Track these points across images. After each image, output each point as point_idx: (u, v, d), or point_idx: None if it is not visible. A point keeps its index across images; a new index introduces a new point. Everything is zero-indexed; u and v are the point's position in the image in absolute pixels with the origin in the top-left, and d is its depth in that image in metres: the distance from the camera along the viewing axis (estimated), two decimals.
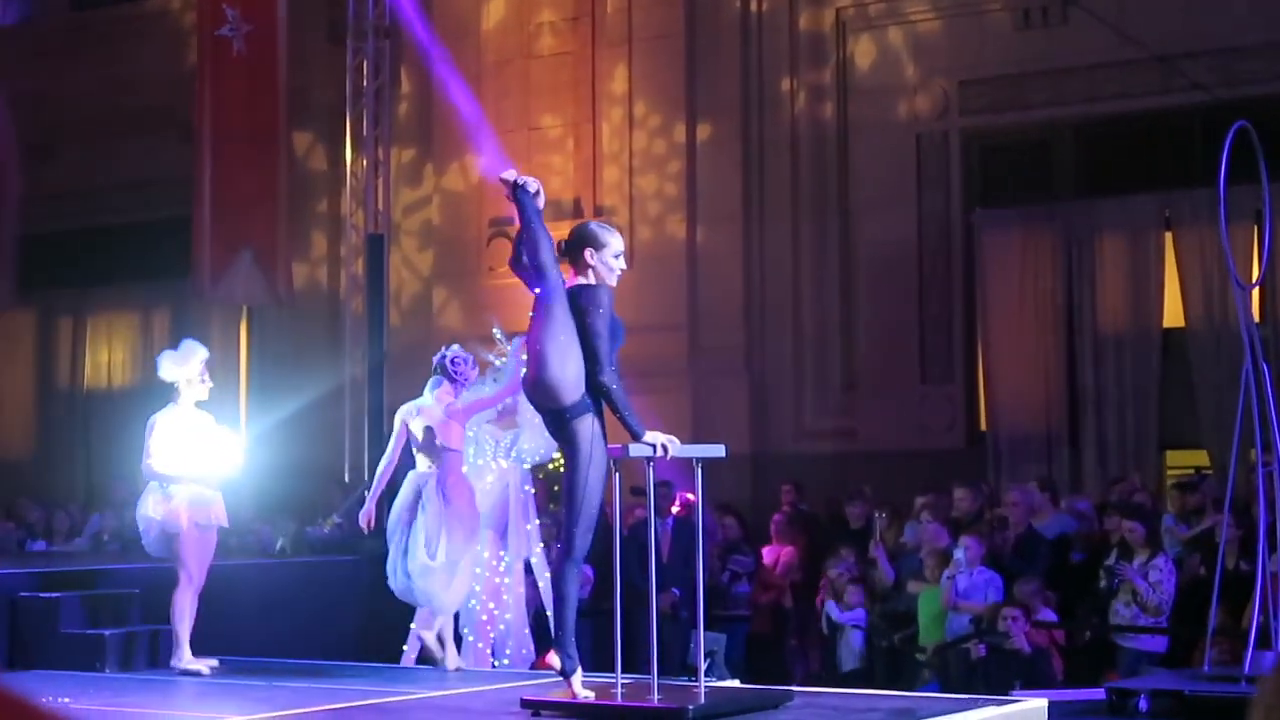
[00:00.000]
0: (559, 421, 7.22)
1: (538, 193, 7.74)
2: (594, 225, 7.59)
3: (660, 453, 7.01)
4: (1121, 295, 16.50)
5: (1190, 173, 15.76)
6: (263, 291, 18.58)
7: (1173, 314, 16.41)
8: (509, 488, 11.55)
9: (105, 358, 22.60)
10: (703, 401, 17.30)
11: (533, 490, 11.73)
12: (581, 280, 7.34)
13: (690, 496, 12.57)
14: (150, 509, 10.15)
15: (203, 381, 10.32)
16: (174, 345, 21.56)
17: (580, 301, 7.26)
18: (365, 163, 19.21)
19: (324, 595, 12.76)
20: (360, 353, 18.51)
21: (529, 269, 7.44)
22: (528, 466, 11.56)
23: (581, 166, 18.62)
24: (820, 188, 17.85)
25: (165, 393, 21.92)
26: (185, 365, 10.31)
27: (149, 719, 7.83)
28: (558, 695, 7.35)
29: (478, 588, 11.46)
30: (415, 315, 19.82)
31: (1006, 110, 17.21)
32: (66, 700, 8.63)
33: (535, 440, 11.47)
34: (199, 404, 10.37)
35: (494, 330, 11.84)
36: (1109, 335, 16.54)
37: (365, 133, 19.19)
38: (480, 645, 11.40)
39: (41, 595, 10.85)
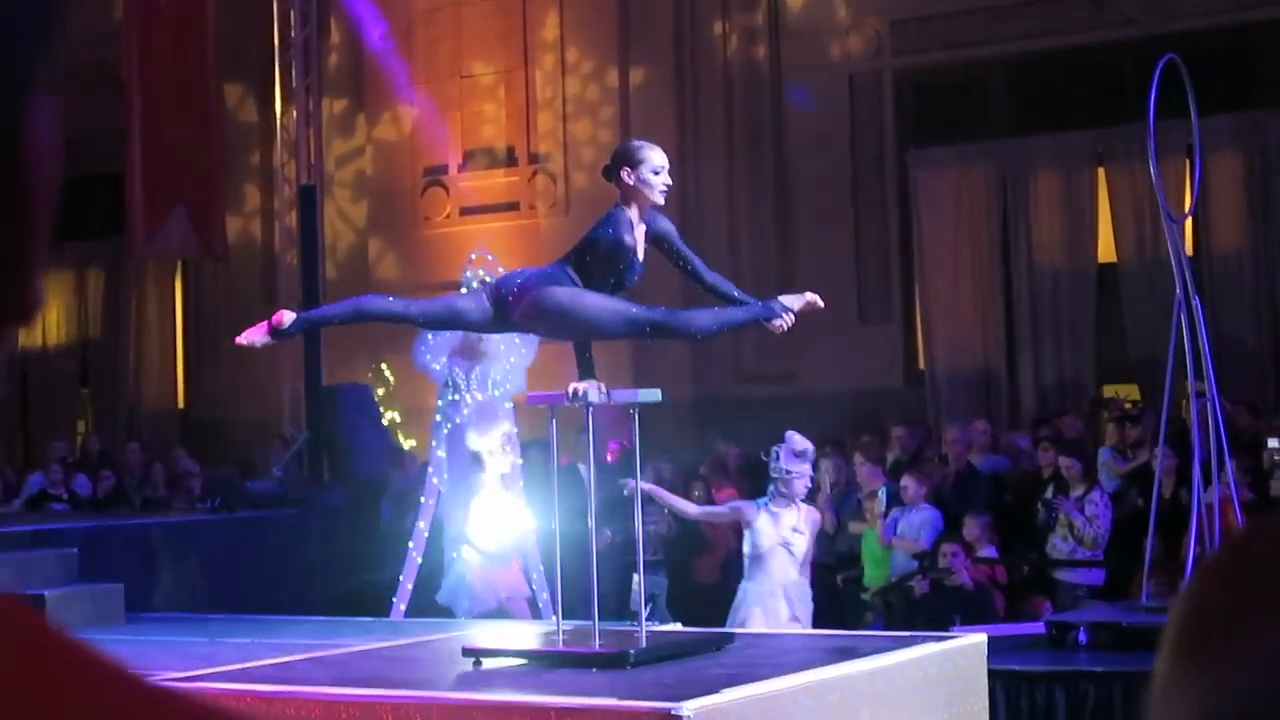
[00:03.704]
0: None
1: None
2: (633, 142, 7.19)
3: (574, 398, 6.91)
4: (1056, 232, 16.58)
5: (1123, 108, 15.80)
6: (196, 246, 18.47)
7: (1107, 249, 16.50)
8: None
9: (40, 317, 22.38)
10: (642, 347, 17.26)
11: (515, 429, 11.74)
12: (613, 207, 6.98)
13: (624, 444, 12.60)
14: (472, 580, 10.32)
15: (505, 453, 10.34)
16: (110, 303, 21.62)
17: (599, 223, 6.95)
18: (296, 114, 19.08)
19: (266, 549, 12.72)
20: (295, 306, 18.39)
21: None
22: (510, 405, 11.56)
23: (514, 114, 18.55)
24: (754, 130, 17.84)
25: (101, 352, 21.72)
26: (485, 437, 10.40)
27: None
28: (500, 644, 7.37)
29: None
30: (351, 267, 19.73)
31: (938, 49, 17.22)
32: None
33: (502, 370, 11.51)
34: (504, 477, 10.41)
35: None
36: (1045, 272, 16.62)
37: (295, 84, 19.04)
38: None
39: None
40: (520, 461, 10.72)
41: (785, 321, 6.88)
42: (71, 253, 22.07)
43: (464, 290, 11.34)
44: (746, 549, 9.66)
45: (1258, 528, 1.00)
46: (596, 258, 6.76)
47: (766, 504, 9.55)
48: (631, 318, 6.86)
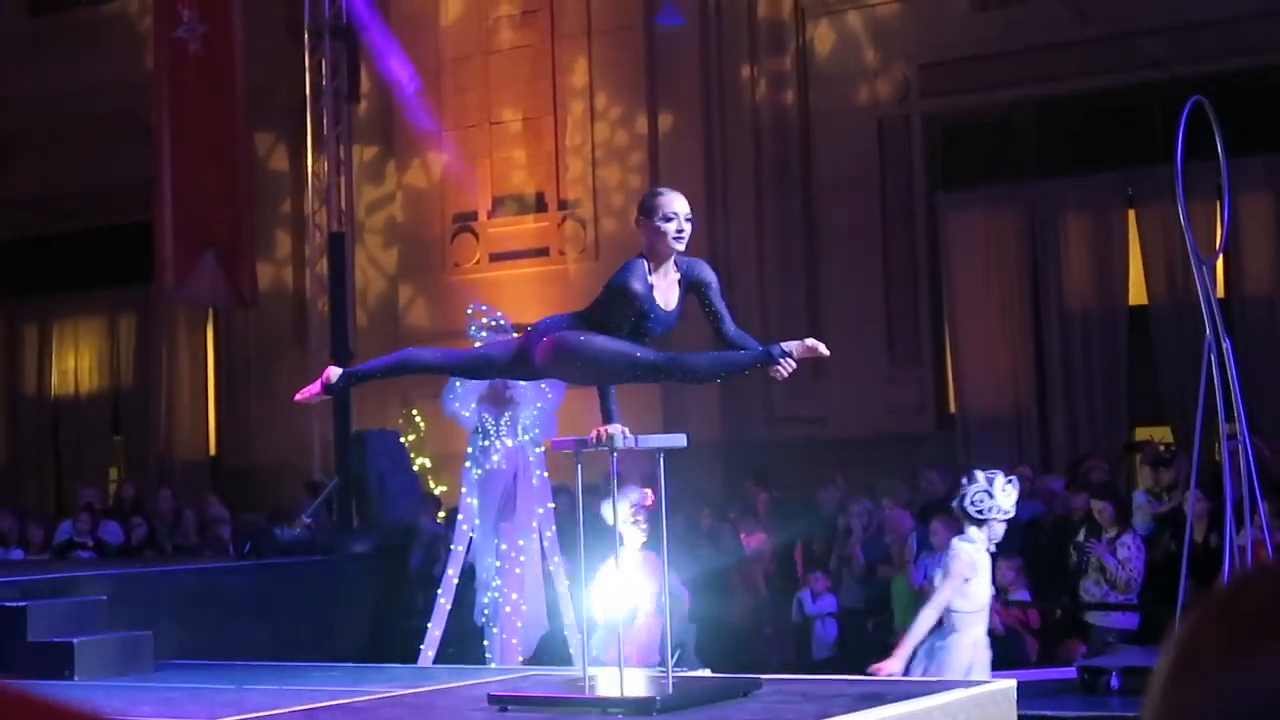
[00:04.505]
0: None
1: None
2: (652, 191, 7.12)
3: (598, 443, 6.89)
4: (1086, 274, 16.52)
5: (1151, 150, 15.76)
6: (227, 293, 18.51)
7: (1137, 291, 16.44)
8: (518, 470, 11.52)
9: (72, 364, 22.50)
10: (672, 391, 17.27)
11: (546, 474, 11.71)
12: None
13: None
14: (601, 653, 10.07)
15: (635, 523, 10.19)
16: (141, 350, 21.71)
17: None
18: (327, 161, 19.12)
19: (295, 596, 12.70)
20: (326, 353, 18.41)
21: None
22: (541, 450, 11.52)
23: (544, 160, 18.58)
24: (783, 175, 17.84)
25: (133, 399, 21.80)
26: (616, 510, 10.24)
27: None
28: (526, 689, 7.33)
29: (498, 581, 11.44)
30: (381, 313, 19.77)
31: (966, 92, 17.20)
32: None
33: (529, 417, 11.48)
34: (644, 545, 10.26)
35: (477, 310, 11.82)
36: (1075, 314, 16.56)
37: (326, 131, 19.09)
38: (506, 638, 11.39)
39: (7, 604, 10.76)
40: (646, 525, 10.58)
41: (784, 367, 6.78)
42: (102, 300, 22.17)
43: (477, 342, 11.36)
44: (959, 600, 8.75)
45: (1256, 570, 1.01)
46: (609, 305, 6.78)
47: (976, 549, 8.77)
48: (632, 360, 6.83)
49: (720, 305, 6.93)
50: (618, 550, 9.72)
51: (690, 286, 6.90)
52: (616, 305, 6.77)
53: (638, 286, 6.75)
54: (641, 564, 10.24)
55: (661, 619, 10.70)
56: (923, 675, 8.62)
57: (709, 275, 6.95)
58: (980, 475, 8.78)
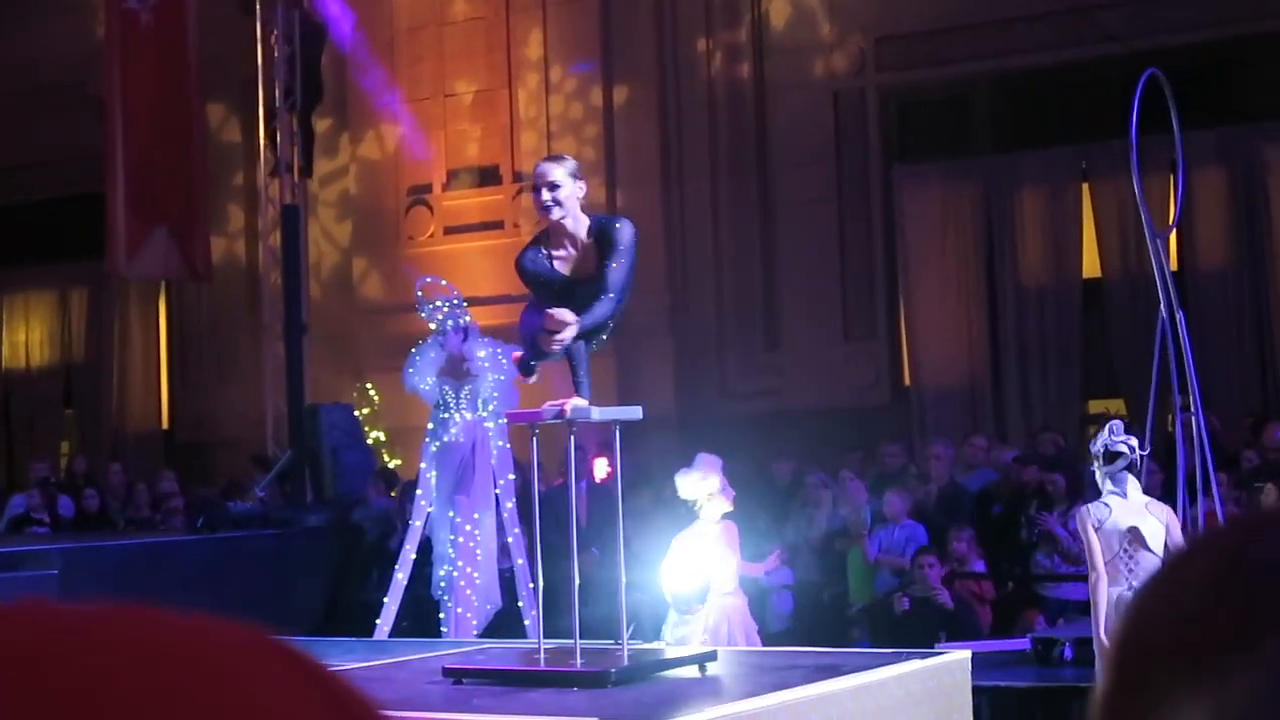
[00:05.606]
0: None
1: None
2: None
3: (553, 415, 6.85)
4: (1041, 248, 16.57)
5: (1107, 124, 15.77)
6: (180, 267, 18.40)
7: (1092, 265, 16.50)
8: (476, 443, 11.48)
9: (23, 337, 22.37)
10: (626, 365, 17.24)
11: (507, 445, 11.68)
12: None
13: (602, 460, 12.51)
14: (670, 635, 9.78)
15: (723, 494, 9.98)
16: (93, 323, 21.53)
17: None
18: (280, 134, 18.97)
19: (247, 570, 12.65)
20: (279, 326, 18.32)
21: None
22: (503, 421, 11.47)
23: (498, 132, 18.51)
24: (739, 148, 17.80)
25: (84, 373, 21.64)
26: (705, 481, 9.95)
27: None
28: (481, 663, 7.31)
29: (453, 552, 11.40)
30: (335, 286, 19.68)
31: (923, 66, 17.20)
32: None
33: (488, 389, 11.44)
34: (725, 515, 10.05)
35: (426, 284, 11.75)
36: (1030, 287, 16.60)
37: (279, 103, 18.93)
38: (461, 612, 11.35)
39: None
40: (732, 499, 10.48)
41: (544, 343, 6.60)
42: (53, 273, 22.02)
43: (432, 323, 11.31)
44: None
45: (1197, 545, 0.88)
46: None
47: None
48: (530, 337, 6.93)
49: (607, 264, 6.63)
50: (694, 525, 9.53)
51: (601, 246, 6.77)
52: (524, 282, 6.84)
53: (523, 262, 6.75)
54: (719, 535, 10.12)
55: (744, 597, 10.59)
56: None
57: (613, 233, 6.70)
58: (1119, 425, 8.61)
